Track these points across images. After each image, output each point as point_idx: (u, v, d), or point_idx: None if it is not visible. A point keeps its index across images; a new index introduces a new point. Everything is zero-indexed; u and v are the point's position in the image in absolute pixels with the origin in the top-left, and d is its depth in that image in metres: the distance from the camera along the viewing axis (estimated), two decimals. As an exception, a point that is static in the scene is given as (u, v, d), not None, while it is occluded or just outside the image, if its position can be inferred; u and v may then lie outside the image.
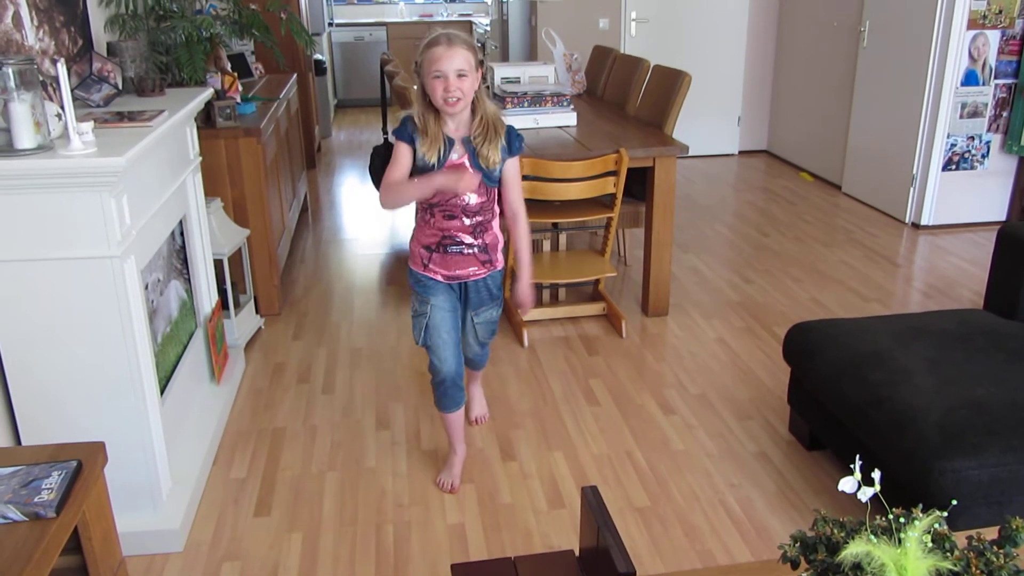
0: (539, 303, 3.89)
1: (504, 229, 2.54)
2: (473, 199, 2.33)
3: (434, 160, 2.27)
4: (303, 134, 5.79)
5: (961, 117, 4.84)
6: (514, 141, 2.36)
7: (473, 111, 2.30)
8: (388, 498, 2.59)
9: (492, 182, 2.36)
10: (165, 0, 3.54)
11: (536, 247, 4.06)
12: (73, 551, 1.73)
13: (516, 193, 2.45)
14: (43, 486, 1.64)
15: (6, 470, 1.71)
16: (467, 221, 2.37)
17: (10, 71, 1.94)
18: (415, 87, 2.28)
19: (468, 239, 2.40)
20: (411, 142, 2.29)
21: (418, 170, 2.30)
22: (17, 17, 2.46)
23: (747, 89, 6.85)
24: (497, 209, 2.46)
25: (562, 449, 2.84)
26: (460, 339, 2.53)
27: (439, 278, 2.44)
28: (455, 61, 2.17)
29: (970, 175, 4.97)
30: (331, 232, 5.17)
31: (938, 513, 1.14)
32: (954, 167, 4.93)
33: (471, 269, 2.45)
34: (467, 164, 2.30)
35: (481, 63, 2.25)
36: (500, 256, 2.50)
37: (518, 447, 2.85)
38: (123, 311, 2.15)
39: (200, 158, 3.03)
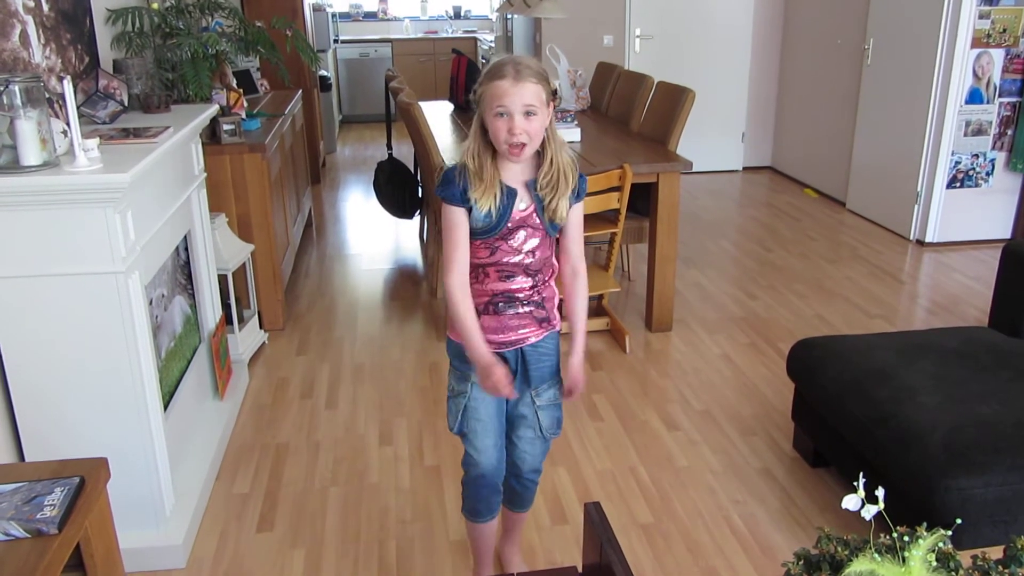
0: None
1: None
2: (537, 255, 1.93)
3: (489, 209, 1.84)
4: (308, 150, 5.82)
5: (965, 135, 4.84)
6: (581, 184, 1.95)
7: (541, 151, 1.88)
8: (391, 514, 2.59)
9: (554, 232, 1.95)
10: (171, 18, 3.57)
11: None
12: (75, 568, 1.72)
13: (578, 246, 2.01)
14: (45, 502, 1.64)
15: (9, 486, 1.71)
16: (526, 281, 1.95)
17: (17, 89, 1.96)
18: (474, 119, 1.89)
19: (524, 295, 1.96)
20: (464, 203, 1.86)
21: (474, 228, 1.88)
22: (24, 35, 2.48)
23: (751, 106, 6.87)
24: (556, 264, 2.03)
25: (565, 464, 2.83)
26: (503, 432, 2.06)
27: (490, 348, 1.94)
28: (524, 96, 1.78)
29: (975, 193, 4.97)
30: (335, 247, 5.18)
31: (942, 532, 1.14)
32: (959, 184, 4.93)
33: (528, 331, 1.98)
34: (535, 217, 1.90)
35: (554, 94, 1.86)
36: (557, 314, 2.05)
37: (521, 463, 2.84)
38: (127, 326, 2.16)
39: (205, 174, 3.05)
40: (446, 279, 1.90)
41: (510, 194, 1.87)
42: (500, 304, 1.95)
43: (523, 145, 1.81)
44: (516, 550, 2.33)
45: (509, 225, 1.88)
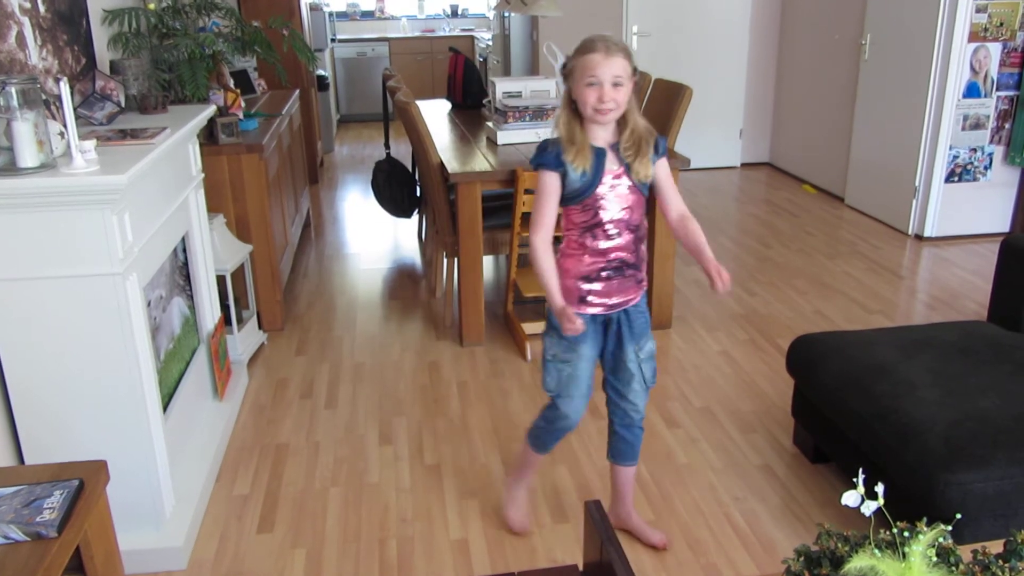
0: (542, 317, 3.89)
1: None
2: (634, 212, 2.14)
3: (584, 169, 2.07)
4: (306, 149, 5.81)
5: (963, 129, 4.84)
6: (660, 143, 2.17)
7: (623, 121, 2.11)
8: (391, 513, 2.59)
9: (645, 191, 2.16)
10: (168, 18, 3.56)
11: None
12: (75, 570, 1.72)
13: (676, 196, 2.25)
14: (45, 505, 1.64)
15: (8, 490, 1.71)
16: (629, 237, 2.16)
17: (13, 90, 1.95)
18: (562, 92, 2.12)
19: (631, 259, 2.18)
20: (558, 167, 2.08)
21: (573, 190, 2.09)
22: (21, 37, 2.48)
23: (749, 102, 6.87)
24: (647, 224, 2.25)
25: (565, 463, 2.83)
26: (591, 392, 2.30)
27: (598, 311, 2.19)
28: (613, 68, 2.01)
29: (973, 187, 4.97)
30: (334, 247, 5.18)
31: (942, 527, 1.13)
32: (957, 179, 4.93)
33: (631, 295, 2.21)
34: (626, 177, 2.11)
35: (635, 70, 2.08)
36: (645, 275, 2.29)
37: (521, 462, 2.84)
38: (125, 328, 2.16)
39: (202, 174, 3.04)
40: (534, 238, 2.13)
41: (600, 153, 2.09)
42: (609, 272, 2.16)
43: (611, 109, 2.03)
44: (633, 510, 2.49)
45: (603, 182, 2.09)
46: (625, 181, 2.10)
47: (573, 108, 2.09)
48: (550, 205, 2.12)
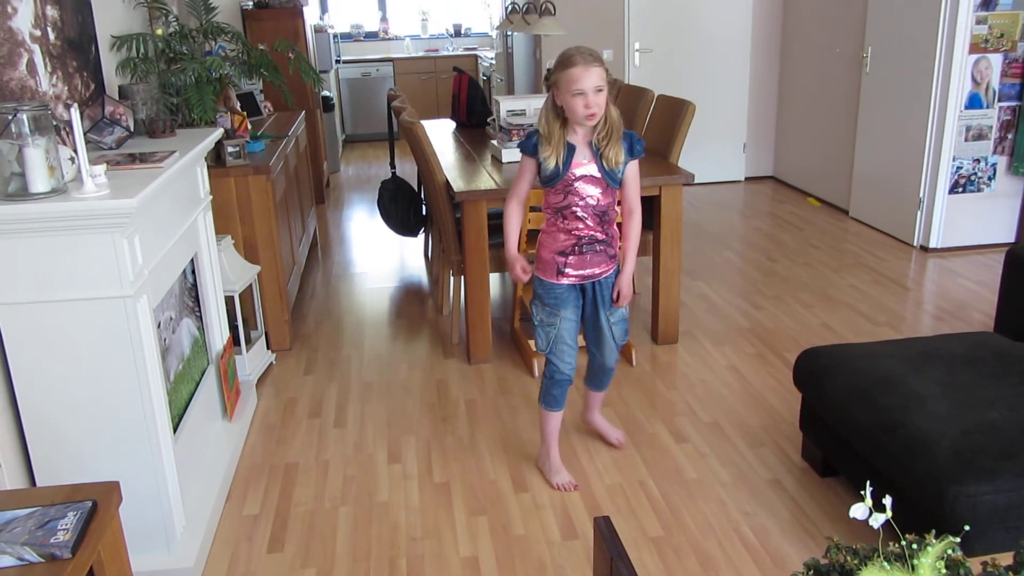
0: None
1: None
2: (600, 199, 2.54)
3: (553, 164, 2.48)
4: (312, 170, 5.85)
5: (966, 140, 4.85)
6: (636, 145, 2.54)
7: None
8: (401, 532, 2.59)
9: (615, 183, 2.54)
10: (175, 43, 3.61)
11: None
12: (88, 591, 1.73)
13: (635, 192, 2.63)
14: (59, 527, 1.65)
15: (22, 511, 1.72)
16: (595, 221, 2.57)
17: (25, 117, 1.98)
18: (545, 96, 2.52)
19: (600, 236, 2.58)
20: (535, 154, 2.52)
21: (546, 176, 2.52)
22: (31, 64, 2.51)
23: (752, 116, 6.89)
24: (618, 209, 2.67)
25: (575, 479, 2.83)
26: (577, 348, 2.71)
27: (573, 281, 2.62)
28: (593, 78, 2.37)
29: (977, 197, 4.98)
30: (341, 267, 5.20)
31: (951, 539, 1.14)
32: (961, 190, 4.94)
33: (602, 268, 2.63)
34: (595, 169, 2.51)
35: (607, 73, 2.45)
36: (619, 253, 2.71)
37: (530, 478, 2.84)
38: (136, 350, 2.17)
39: (210, 196, 3.07)
40: (508, 201, 2.66)
41: (571, 150, 2.49)
42: (584, 247, 2.58)
43: (594, 113, 2.41)
44: (599, 415, 3.05)
45: (572, 173, 2.50)
46: (593, 170, 2.50)
47: (556, 111, 2.48)
48: (526, 179, 2.60)
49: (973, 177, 4.93)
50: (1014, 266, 2.95)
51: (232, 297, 3.37)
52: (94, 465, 2.24)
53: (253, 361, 3.55)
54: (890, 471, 2.25)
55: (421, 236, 5.43)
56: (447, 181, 3.62)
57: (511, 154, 3.91)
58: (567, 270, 2.60)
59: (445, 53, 10.05)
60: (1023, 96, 4.82)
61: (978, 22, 4.65)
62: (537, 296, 2.68)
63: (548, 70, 2.51)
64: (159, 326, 2.42)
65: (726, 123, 6.81)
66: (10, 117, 1.97)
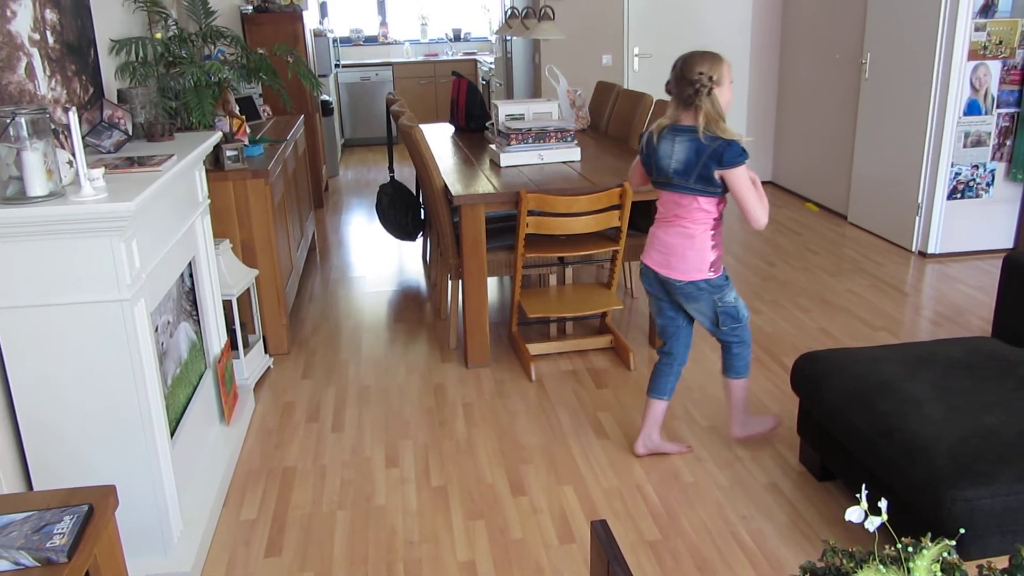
0: (546, 337, 3.91)
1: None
2: None
3: None
4: (311, 174, 5.86)
5: (965, 146, 4.86)
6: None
7: None
8: (398, 536, 2.59)
9: None
10: (174, 47, 3.61)
11: (542, 281, 4.08)
12: (84, 595, 1.73)
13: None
14: (55, 531, 1.65)
15: (18, 516, 1.72)
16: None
17: (23, 120, 1.98)
18: (716, 96, 2.58)
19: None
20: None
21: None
22: (30, 68, 2.52)
23: (751, 121, 6.90)
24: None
25: (572, 483, 2.83)
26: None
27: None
28: None
29: (976, 203, 4.98)
30: (339, 271, 5.21)
31: (946, 542, 1.14)
32: (959, 196, 4.95)
33: None
34: None
35: None
36: None
37: (528, 482, 2.84)
38: (133, 354, 2.17)
39: (209, 200, 3.07)
40: (764, 219, 2.61)
41: None
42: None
43: None
44: (740, 415, 2.99)
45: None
46: None
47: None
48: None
49: (971, 183, 4.94)
50: (1012, 271, 2.96)
51: (230, 301, 3.37)
52: (91, 469, 2.24)
53: (251, 365, 3.55)
54: (887, 475, 2.25)
55: (419, 240, 5.43)
56: (445, 185, 3.62)
57: (509, 158, 3.92)
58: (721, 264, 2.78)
59: (444, 57, 10.07)
60: (1022, 103, 4.83)
61: (977, 29, 4.66)
62: (724, 289, 2.79)
63: (700, 73, 2.52)
64: (157, 330, 2.42)
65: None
66: (8, 121, 1.98)
